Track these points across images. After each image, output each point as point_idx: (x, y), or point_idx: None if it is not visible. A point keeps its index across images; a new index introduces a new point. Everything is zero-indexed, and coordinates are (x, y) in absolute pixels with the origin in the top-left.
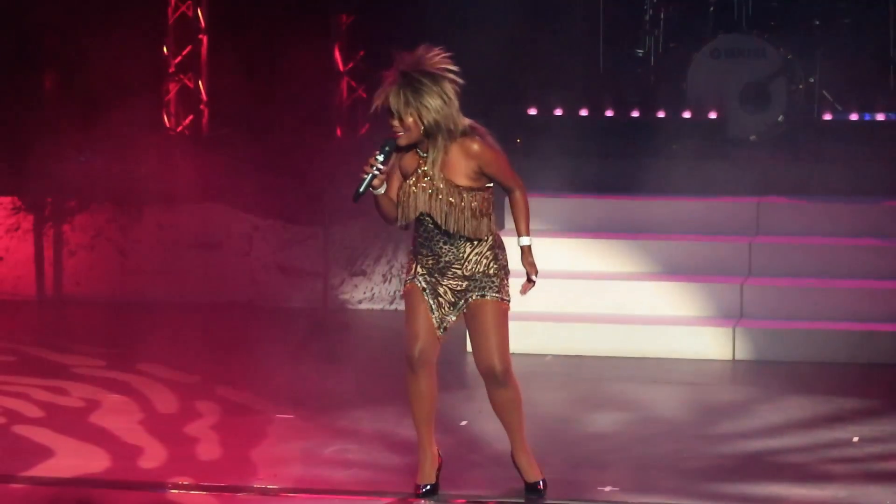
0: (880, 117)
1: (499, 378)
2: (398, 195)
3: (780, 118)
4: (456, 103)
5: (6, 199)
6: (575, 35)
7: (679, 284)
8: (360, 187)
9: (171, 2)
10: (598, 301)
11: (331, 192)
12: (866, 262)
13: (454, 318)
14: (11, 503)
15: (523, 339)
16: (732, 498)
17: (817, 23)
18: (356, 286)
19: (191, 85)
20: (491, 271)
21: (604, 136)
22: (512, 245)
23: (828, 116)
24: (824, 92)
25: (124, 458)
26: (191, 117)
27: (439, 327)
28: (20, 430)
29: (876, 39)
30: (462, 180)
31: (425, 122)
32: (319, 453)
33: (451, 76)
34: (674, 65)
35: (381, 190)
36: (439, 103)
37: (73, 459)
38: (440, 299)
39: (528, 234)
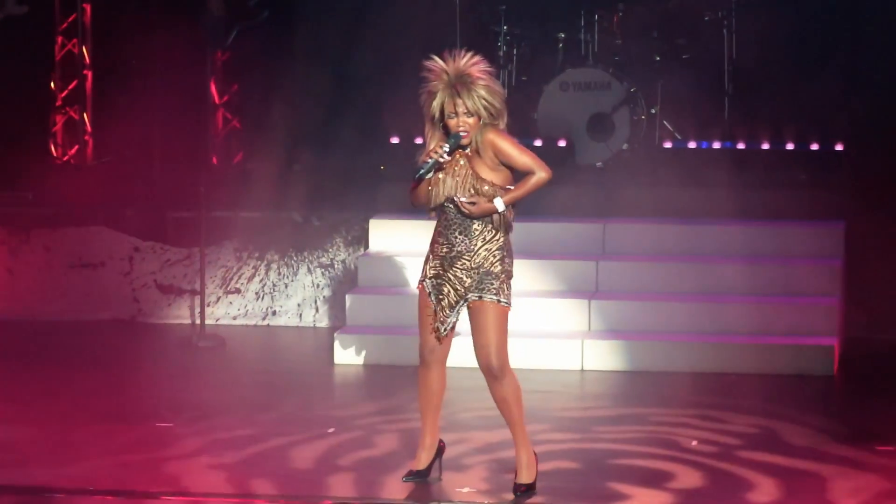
0: (716, 145)
1: (495, 373)
2: (431, 180)
3: (625, 146)
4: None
5: None
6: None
7: (532, 300)
8: (423, 170)
9: (57, 40)
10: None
11: (207, 215)
12: (704, 278)
13: (454, 320)
14: None
15: (387, 350)
16: (580, 497)
17: (658, 58)
18: (231, 303)
19: (76, 117)
20: (495, 270)
21: None
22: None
23: (668, 144)
24: (665, 122)
25: (11, 465)
26: (76, 147)
27: (439, 329)
28: None
29: (712, 74)
30: (486, 173)
31: (492, 117)
32: (197, 458)
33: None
34: (526, 97)
35: (429, 175)
36: (500, 100)
37: None
38: (442, 302)
39: (504, 201)
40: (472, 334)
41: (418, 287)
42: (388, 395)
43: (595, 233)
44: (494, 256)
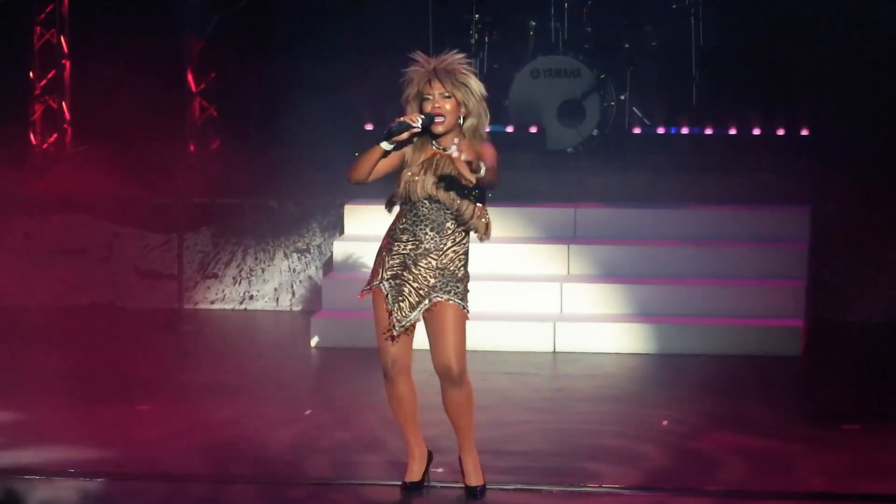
0: (684, 131)
1: (454, 378)
2: (402, 177)
3: (595, 132)
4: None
5: None
6: (407, 58)
7: (505, 284)
8: (394, 127)
9: (35, 30)
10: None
11: (185, 202)
12: (672, 262)
13: (414, 318)
14: None
15: (363, 333)
16: (554, 474)
17: (627, 45)
18: (208, 288)
19: (55, 106)
20: (459, 274)
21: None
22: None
23: (637, 130)
24: (634, 108)
25: None
26: (55, 136)
27: (395, 327)
28: None
29: (680, 61)
30: (470, 175)
31: (469, 105)
32: (176, 441)
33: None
34: (497, 84)
35: (390, 147)
36: (479, 92)
37: None
38: (402, 303)
39: (483, 167)
40: (432, 337)
41: (372, 290)
42: (363, 377)
43: (566, 217)
44: (461, 260)
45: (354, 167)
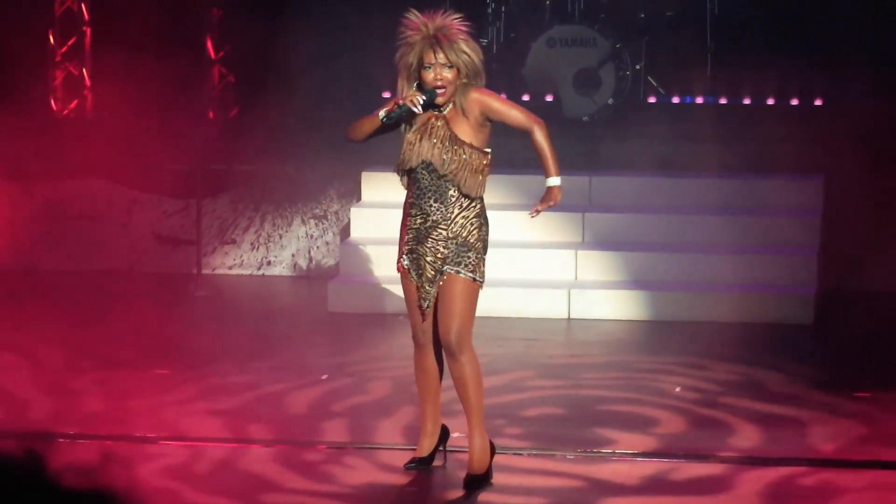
0: (699, 100)
1: (453, 352)
2: (404, 141)
3: (610, 101)
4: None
5: None
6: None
7: (521, 251)
8: (394, 112)
9: None
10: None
11: (203, 168)
12: (687, 230)
13: (435, 293)
14: None
15: (379, 299)
16: (568, 440)
17: (642, 15)
18: (226, 253)
19: (76, 72)
20: (472, 239)
21: None
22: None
23: (652, 99)
24: (649, 77)
25: (14, 411)
26: (76, 102)
27: (423, 306)
28: None
29: (695, 30)
30: (466, 135)
31: (470, 73)
32: (194, 404)
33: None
34: (514, 53)
35: (393, 120)
36: (479, 58)
37: None
38: (422, 277)
39: (556, 175)
40: (438, 304)
41: (398, 267)
42: (379, 342)
43: (581, 185)
44: (472, 224)
45: (353, 129)
